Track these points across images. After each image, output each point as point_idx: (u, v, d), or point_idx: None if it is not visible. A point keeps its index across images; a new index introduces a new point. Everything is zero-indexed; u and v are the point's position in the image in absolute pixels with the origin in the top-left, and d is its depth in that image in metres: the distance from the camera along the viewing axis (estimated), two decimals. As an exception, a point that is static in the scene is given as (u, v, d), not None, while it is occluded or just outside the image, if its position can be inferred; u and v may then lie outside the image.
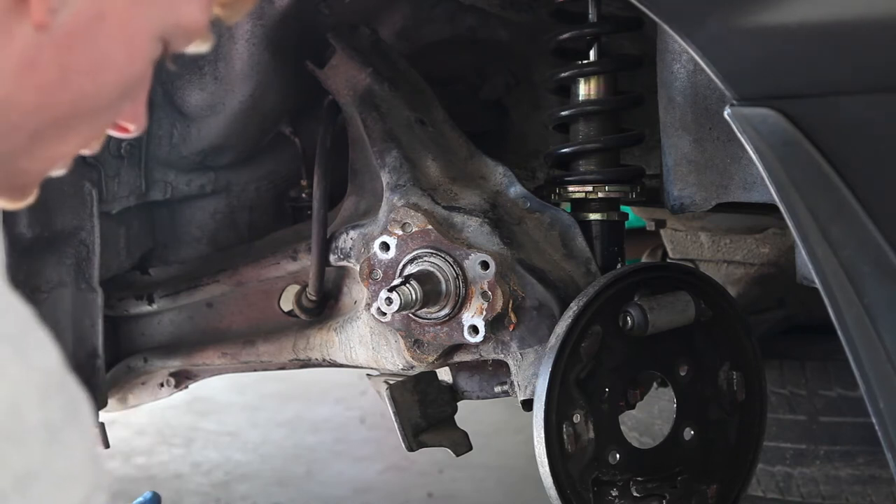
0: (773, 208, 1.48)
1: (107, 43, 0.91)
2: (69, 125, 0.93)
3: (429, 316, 1.82)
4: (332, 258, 2.00)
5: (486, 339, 1.80)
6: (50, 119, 0.91)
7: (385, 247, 1.85)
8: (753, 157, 1.41)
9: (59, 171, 1.00)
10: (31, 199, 0.99)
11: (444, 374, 2.00)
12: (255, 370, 2.21)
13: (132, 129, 1.02)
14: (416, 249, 1.83)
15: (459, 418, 2.01)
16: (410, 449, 1.94)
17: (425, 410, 1.97)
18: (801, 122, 1.39)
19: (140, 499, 1.49)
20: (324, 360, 2.07)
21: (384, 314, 1.82)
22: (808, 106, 1.40)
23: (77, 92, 0.91)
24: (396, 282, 1.78)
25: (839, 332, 1.40)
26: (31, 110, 0.90)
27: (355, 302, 2.03)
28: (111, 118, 0.98)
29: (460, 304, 1.80)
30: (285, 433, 4.24)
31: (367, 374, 2.07)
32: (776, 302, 2.87)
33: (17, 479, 0.75)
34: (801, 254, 1.52)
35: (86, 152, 1.03)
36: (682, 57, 1.77)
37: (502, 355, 1.83)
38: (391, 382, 1.95)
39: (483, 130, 2.33)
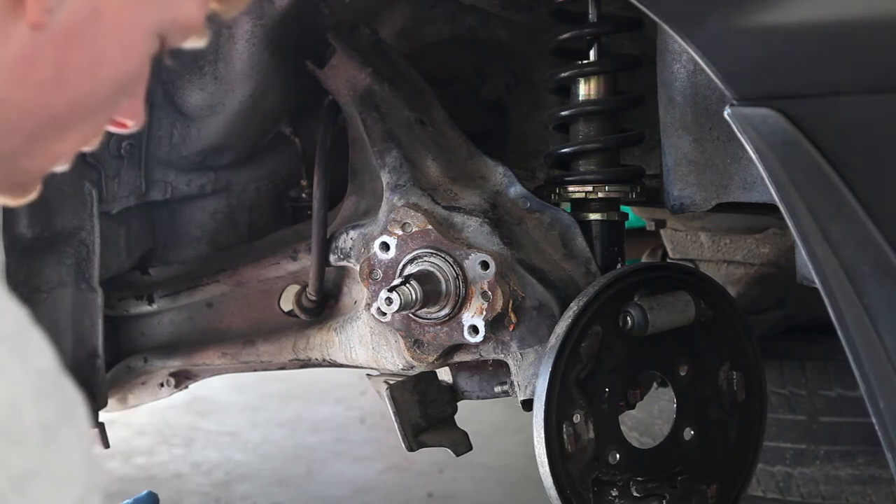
0: (773, 208, 1.48)
1: (103, 40, 0.91)
2: (68, 123, 0.93)
3: (429, 316, 1.82)
4: (332, 258, 2.00)
5: (486, 339, 1.80)
6: (49, 118, 0.91)
7: (385, 247, 1.85)
8: (753, 157, 1.41)
9: (60, 168, 1.00)
10: (33, 196, 0.99)
11: (444, 374, 2.00)
12: (255, 370, 2.21)
13: (131, 124, 1.02)
14: (416, 249, 1.83)
15: (459, 418, 2.01)
16: (410, 449, 1.94)
17: (425, 410, 1.97)
18: (801, 122, 1.39)
19: (135, 497, 1.49)
20: (324, 360, 2.07)
21: (384, 314, 1.82)
22: (808, 106, 1.40)
23: (75, 90, 0.91)
24: (396, 282, 1.78)
25: (839, 332, 1.40)
26: (29, 109, 0.90)
27: (355, 302, 2.03)
28: (110, 115, 0.98)
29: (460, 304, 1.80)
30: (285, 433, 4.24)
31: (367, 374, 2.06)
32: (776, 302, 2.87)
33: (14, 480, 0.75)
34: (801, 254, 1.52)
35: (86, 149, 1.03)
36: (682, 57, 1.77)
37: (502, 355, 1.83)
38: (391, 382, 1.95)
39: (483, 130, 2.33)
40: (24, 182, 0.97)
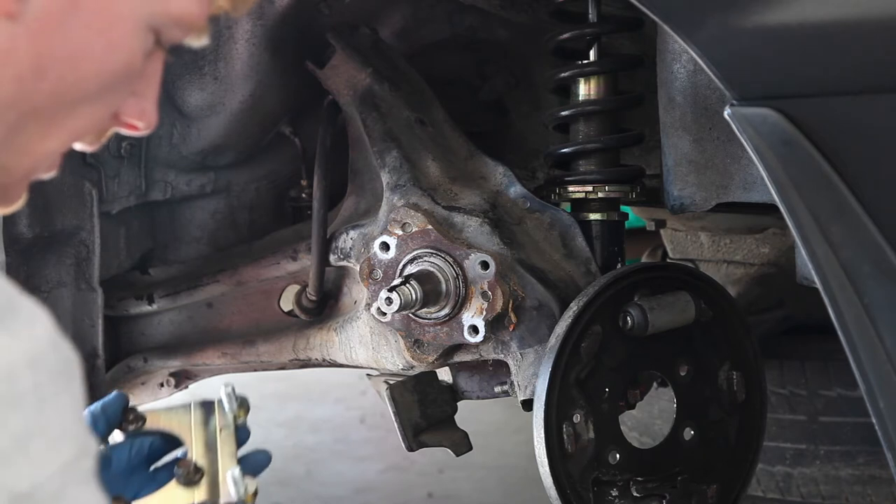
0: (773, 208, 1.48)
1: (84, 31, 0.89)
2: (51, 117, 0.92)
3: (429, 316, 1.82)
4: (332, 258, 2.00)
5: (486, 339, 1.80)
6: (29, 110, 0.90)
7: (385, 247, 1.85)
8: (753, 157, 1.41)
9: (48, 174, 0.98)
10: (19, 204, 0.97)
11: (444, 374, 2.00)
12: (255, 370, 2.21)
13: (141, 126, 1.00)
14: (416, 249, 1.83)
15: (459, 418, 2.01)
16: (410, 449, 1.94)
17: (425, 410, 1.97)
18: (801, 122, 1.39)
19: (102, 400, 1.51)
20: (324, 360, 2.07)
21: (384, 314, 1.82)
22: (808, 106, 1.40)
23: (55, 81, 0.89)
24: (396, 282, 1.78)
25: (839, 332, 1.40)
26: (7, 101, 0.88)
27: (355, 302, 2.03)
28: (100, 111, 0.96)
29: (460, 304, 1.80)
30: (285, 433, 4.24)
31: (367, 374, 2.07)
32: (776, 302, 2.87)
33: (16, 439, 0.77)
34: (801, 254, 1.52)
35: (85, 149, 1.01)
36: (682, 57, 1.77)
37: (502, 355, 1.83)
38: (391, 382, 1.95)
39: (483, 130, 2.33)
40: (9, 184, 0.95)
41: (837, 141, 1.38)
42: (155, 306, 2.22)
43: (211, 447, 1.48)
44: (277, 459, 4.00)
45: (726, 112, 1.43)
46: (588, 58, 1.92)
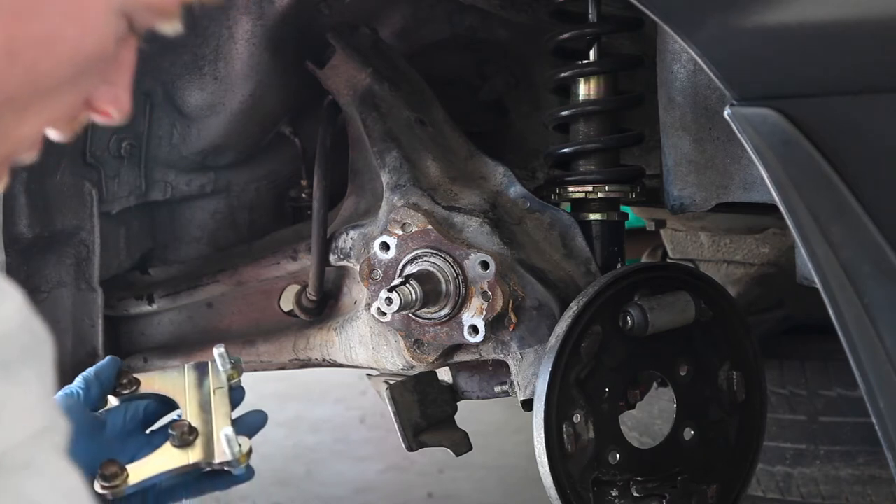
0: (773, 208, 1.48)
1: (56, 15, 0.89)
2: (25, 102, 0.91)
3: (429, 316, 1.82)
4: (332, 258, 2.00)
5: (486, 339, 1.80)
6: (2, 96, 0.89)
7: (385, 247, 1.85)
8: (753, 157, 1.41)
9: (28, 157, 0.98)
10: (0, 186, 0.97)
11: (444, 374, 2.00)
12: (255, 370, 2.21)
13: (115, 114, 1.00)
14: (416, 249, 1.83)
15: (459, 418, 2.01)
16: (410, 449, 1.94)
17: (425, 410, 1.97)
18: (801, 122, 1.39)
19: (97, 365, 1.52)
20: (324, 360, 2.07)
21: (384, 314, 1.82)
22: (808, 106, 1.40)
23: (28, 66, 0.89)
24: (396, 282, 1.78)
25: (839, 332, 1.40)
26: None
27: (355, 302, 2.03)
28: (74, 97, 0.96)
29: (460, 304, 1.80)
30: (285, 433, 4.24)
31: (367, 374, 2.07)
32: (776, 302, 2.87)
33: None
34: (801, 254, 1.52)
35: (58, 137, 1.01)
36: (682, 57, 1.77)
37: (502, 355, 1.84)
38: (391, 382, 1.95)
39: (483, 130, 2.33)
40: None
41: (837, 141, 1.39)
42: (155, 306, 2.22)
43: (205, 408, 1.48)
44: (277, 459, 3.98)
45: (726, 112, 1.43)
46: (588, 58, 1.93)
